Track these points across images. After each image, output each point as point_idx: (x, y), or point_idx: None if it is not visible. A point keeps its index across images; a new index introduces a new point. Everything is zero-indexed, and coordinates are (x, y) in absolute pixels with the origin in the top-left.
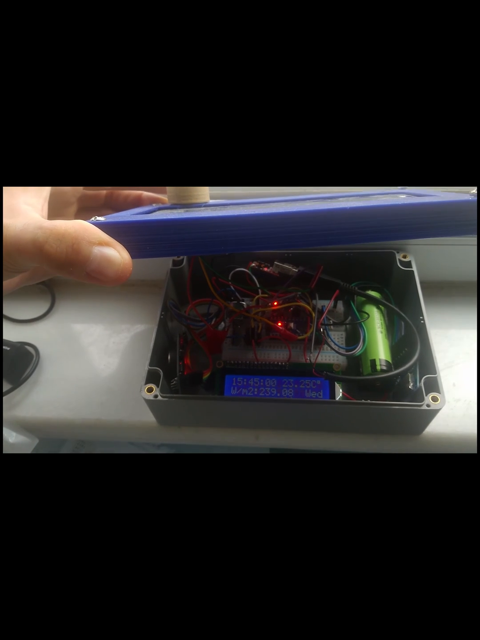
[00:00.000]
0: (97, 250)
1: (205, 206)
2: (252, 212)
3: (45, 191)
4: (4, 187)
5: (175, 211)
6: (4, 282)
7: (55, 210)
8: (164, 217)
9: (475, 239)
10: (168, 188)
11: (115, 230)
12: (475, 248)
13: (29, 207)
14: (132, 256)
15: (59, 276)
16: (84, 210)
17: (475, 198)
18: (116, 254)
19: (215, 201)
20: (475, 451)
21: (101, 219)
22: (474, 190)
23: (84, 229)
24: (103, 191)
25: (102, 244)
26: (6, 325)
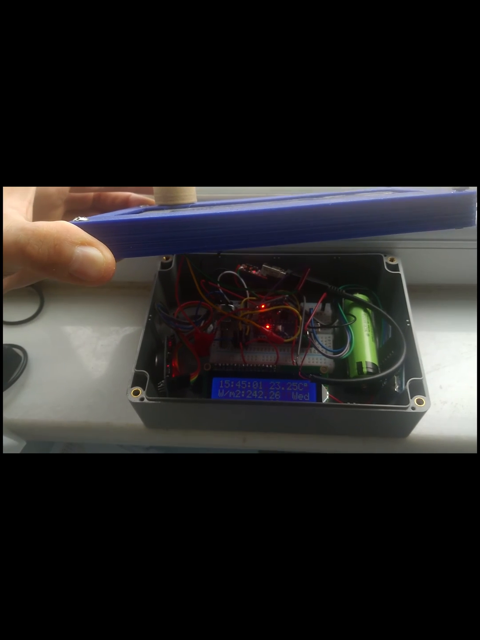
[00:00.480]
0: (80, 251)
1: (191, 206)
2: (237, 211)
3: (29, 194)
4: None
5: (160, 211)
6: None
7: (41, 213)
8: (146, 217)
9: (463, 242)
10: (154, 189)
11: (97, 230)
12: (462, 251)
13: (13, 210)
14: (116, 256)
15: (47, 278)
16: (71, 213)
17: (458, 193)
18: (99, 253)
19: (202, 202)
20: (463, 452)
21: (84, 219)
22: (458, 187)
23: (66, 230)
24: (90, 193)
25: (84, 244)
26: None
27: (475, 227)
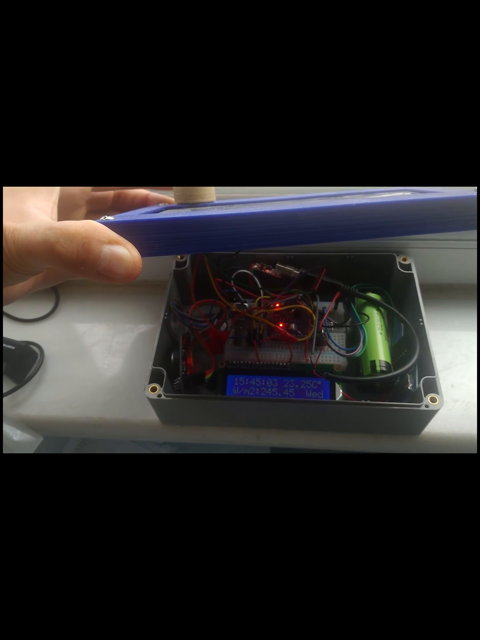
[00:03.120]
0: (108, 249)
1: (211, 205)
2: (258, 210)
3: (54, 194)
4: (13, 192)
5: (182, 210)
6: (17, 286)
7: (64, 213)
8: (172, 216)
9: (474, 242)
10: (174, 188)
11: (124, 229)
12: (473, 251)
13: (38, 211)
14: (142, 254)
15: (71, 278)
16: (93, 213)
17: (477, 194)
18: (126, 252)
19: (221, 200)
20: (474, 451)
21: (110, 218)
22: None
23: (94, 229)
24: (111, 193)
25: (111, 242)
26: (11, 325)
27: None
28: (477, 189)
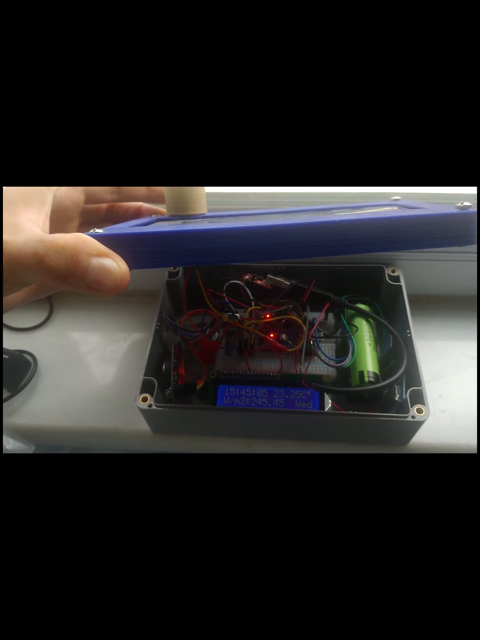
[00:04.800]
0: (96, 261)
1: (202, 218)
2: (247, 225)
3: (46, 207)
4: (6, 204)
5: (172, 223)
6: (10, 297)
7: (57, 226)
8: (160, 230)
9: (461, 254)
10: (166, 199)
11: (113, 242)
12: (460, 263)
13: (30, 223)
14: (130, 266)
15: (63, 289)
16: (86, 225)
17: (460, 212)
18: (114, 264)
19: (212, 213)
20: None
21: (99, 231)
22: (461, 203)
23: (82, 241)
24: (103, 206)
25: (100, 255)
26: (5, 334)
27: (475, 243)
28: (462, 207)
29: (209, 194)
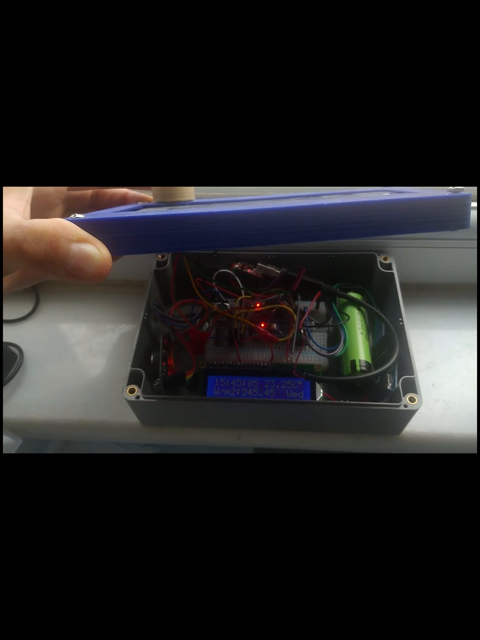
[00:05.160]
0: (76, 247)
1: (189, 204)
2: (235, 209)
3: (27, 193)
4: None
5: (158, 209)
6: None
7: (39, 213)
8: (143, 214)
9: (455, 241)
10: (153, 187)
11: (94, 227)
12: (453, 250)
13: (10, 209)
14: (112, 253)
15: (47, 278)
16: (70, 212)
17: (453, 195)
18: (95, 250)
19: (200, 199)
20: (449, 452)
21: (80, 216)
22: (454, 187)
23: (62, 227)
24: (88, 192)
25: (80, 240)
26: None
27: (469, 227)
28: (454, 190)
29: (198, 191)
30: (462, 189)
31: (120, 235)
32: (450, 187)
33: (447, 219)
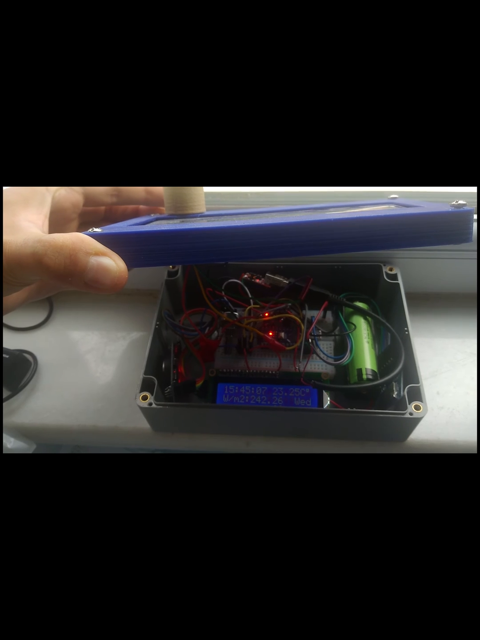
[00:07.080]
0: (94, 260)
1: (200, 217)
2: (245, 223)
3: (45, 208)
4: (5, 205)
5: (171, 222)
6: (11, 298)
7: (56, 227)
8: (158, 228)
9: (458, 252)
10: (165, 199)
11: (111, 241)
12: (457, 261)
13: (30, 224)
14: (128, 265)
15: (64, 289)
16: (85, 226)
17: (456, 210)
18: (112, 263)
19: (211, 212)
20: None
21: (98, 230)
22: (456, 201)
23: (80, 241)
24: (102, 207)
25: (98, 254)
26: (5, 334)
27: (471, 241)
28: (457, 205)
29: (207, 194)
30: (465, 204)
31: (136, 249)
32: (453, 202)
33: (450, 233)
